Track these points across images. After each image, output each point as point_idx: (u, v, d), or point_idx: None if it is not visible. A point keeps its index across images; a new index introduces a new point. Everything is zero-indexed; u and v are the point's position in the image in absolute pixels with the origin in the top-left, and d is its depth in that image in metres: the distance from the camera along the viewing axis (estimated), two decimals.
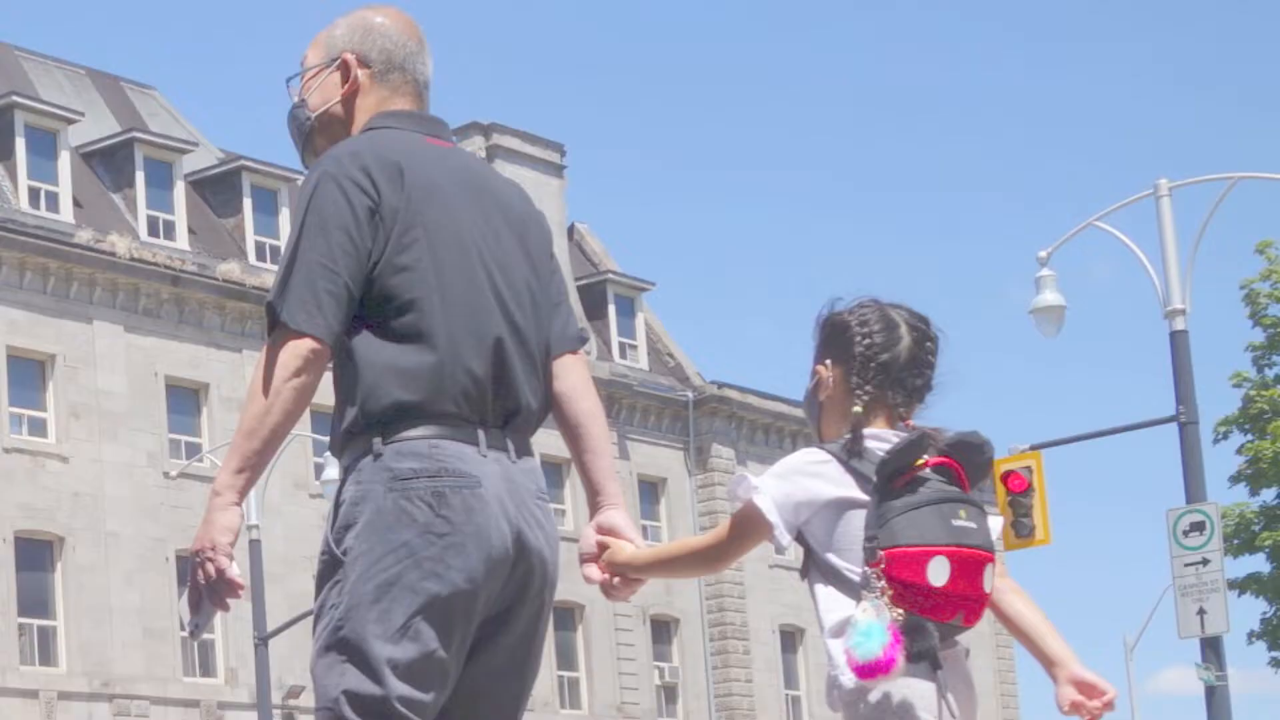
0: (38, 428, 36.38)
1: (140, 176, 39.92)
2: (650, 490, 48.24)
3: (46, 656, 35.58)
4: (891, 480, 3.51)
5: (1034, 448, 23.04)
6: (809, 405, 3.81)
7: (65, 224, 37.25)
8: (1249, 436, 33.15)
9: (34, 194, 37.21)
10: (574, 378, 3.74)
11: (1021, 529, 22.31)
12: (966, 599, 3.49)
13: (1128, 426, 24.93)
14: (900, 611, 3.37)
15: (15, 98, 37.51)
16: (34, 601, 35.24)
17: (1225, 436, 33.34)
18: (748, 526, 3.56)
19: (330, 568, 3.27)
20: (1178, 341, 22.09)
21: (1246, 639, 34.10)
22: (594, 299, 48.42)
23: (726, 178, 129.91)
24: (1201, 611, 21.59)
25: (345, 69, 3.55)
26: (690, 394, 49.62)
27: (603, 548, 3.69)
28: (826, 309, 3.71)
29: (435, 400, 3.34)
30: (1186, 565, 21.71)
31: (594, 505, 3.73)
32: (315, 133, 3.63)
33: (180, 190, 41.30)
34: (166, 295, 38.90)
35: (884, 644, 3.35)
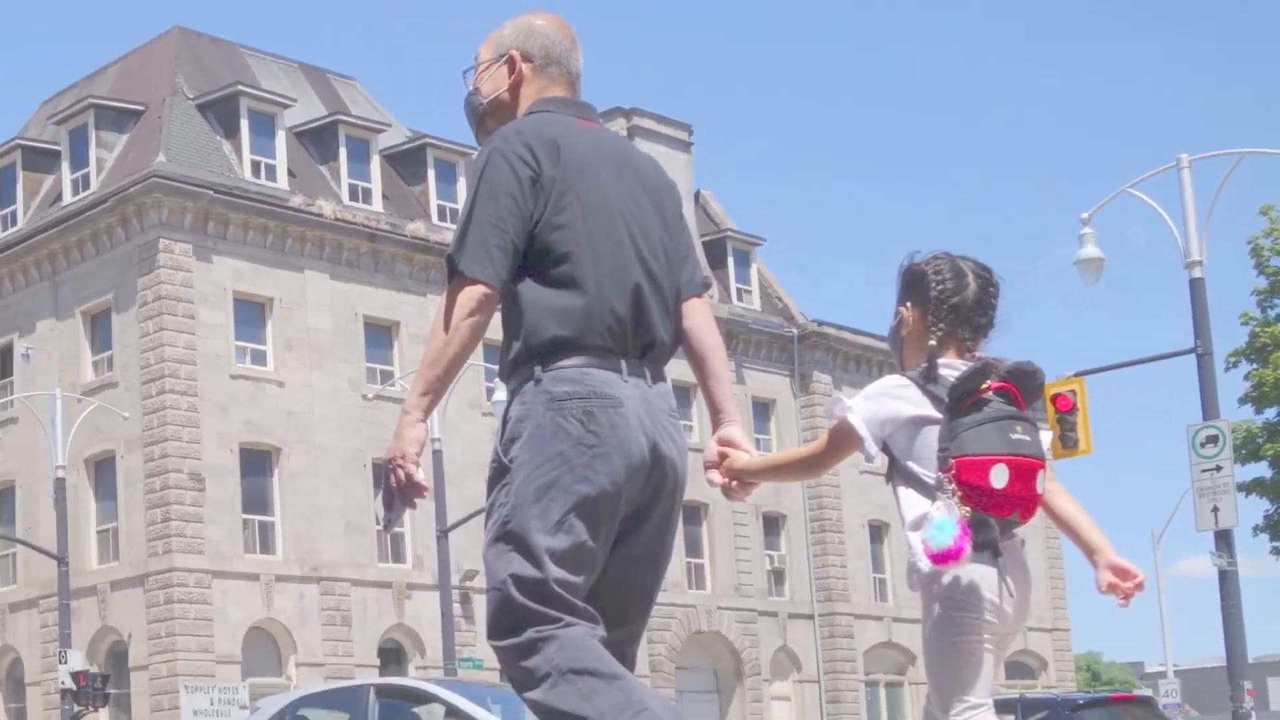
0: (259, 359, 36.95)
1: (343, 152, 40.61)
2: (762, 410, 48.67)
3: (266, 546, 36.59)
4: (960, 401, 3.65)
5: (1078, 374, 23.45)
6: (893, 340, 3.96)
7: (281, 190, 37.81)
8: (1254, 365, 33.71)
9: (255, 166, 37.70)
10: (699, 317, 3.82)
11: (1067, 441, 22.65)
12: (1022, 499, 3.61)
13: (1154, 357, 25.74)
14: (967, 509, 3.49)
15: (240, 87, 38.15)
16: (256, 501, 36.11)
17: (1235, 365, 33.83)
18: (841, 439, 3.72)
19: (499, 474, 3.43)
20: (1195, 288, 22.48)
21: (1252, 532, 34.89)
22: (715, 253, 48.96)
23: (827, 151, 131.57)
24: (1215, 509, 21.81)
25: (511, 63, 3.68)
26: (795, 330, 50.12)
27: (723, 456, 3.82)
28: (907, 260, 3.87)
29: (585, 335, 3.42)
30: (1203, 471, 21.90)
31: (715, 422, 3.86)
32: (487, 116, 3.76)
33: (375, 163, 41.71)
34: (364, 249, 39.25)
35: (954, 536, 3.48)
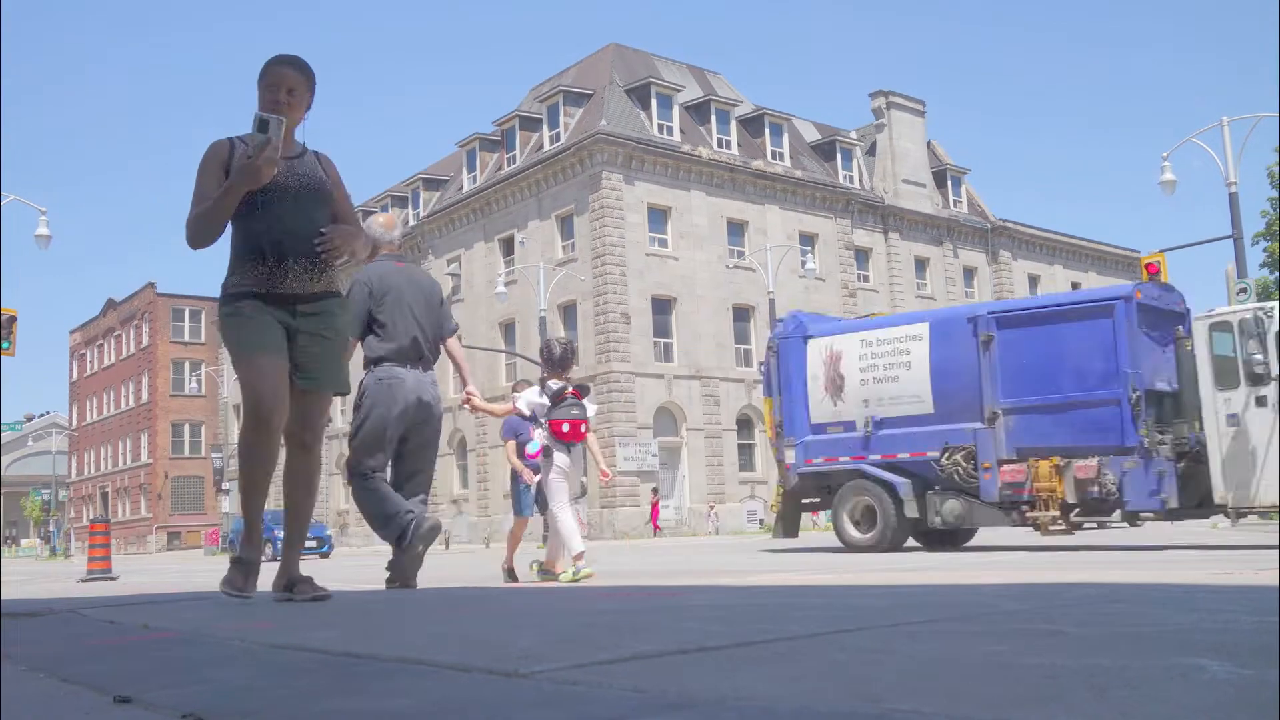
0: (663, 244, 43.10)
1: (713, 118, 46.32)
2: (970, 275, 55.25)
3: (668, 357, 42.26)
4: (556, 398, 7.37)
5: (1160, 250, 25.95)
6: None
7: (675, 142, 43.39)
8: (1268, 242, 39.31)
9: (660, 127, 43.97)
10: (452, 344, 6.62)
11: None
12: (575, 434, 7.45)
13: (1207, 240, 29.38)
14: (547, 436, 7.69)
15: (650, 79, 44.72)
16: (661, 329, 42.47)
17: (1256, 243, 38.95)
18: (515, 411, 8.12)
19: (356, 409, 6.16)
20: (1233, 199, 25.45)
21: None
22: (940, 181, 55.20)
23: (1016, 99, 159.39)
24: None
25: (373, 244, 6.07)
26: (989, 225, 56.99)
27: (469, 397, 6.86)
28: (543, 342, 8.13)
29: (392, 355, 6.18)
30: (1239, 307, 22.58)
31: (464, 382, 6.91)
32: (363, 264, 5.94)
33: (733, 125, 46.35)
34: (726, 177, 43.92)
35: (538, 448, 7.70)
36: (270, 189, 4.60)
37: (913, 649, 2.21)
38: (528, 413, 7.88)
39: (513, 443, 9.64)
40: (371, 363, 6.29)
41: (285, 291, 4.66)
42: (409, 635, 2.88)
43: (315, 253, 4.66)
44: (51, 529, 74.42)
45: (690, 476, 42.32)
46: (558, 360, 7.74)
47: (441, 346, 6.56)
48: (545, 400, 7.56)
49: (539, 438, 7.75)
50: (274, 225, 4.61)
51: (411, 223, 51.92)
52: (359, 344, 6.24)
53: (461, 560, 21.10)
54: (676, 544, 29.13)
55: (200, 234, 4.49)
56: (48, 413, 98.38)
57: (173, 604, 4.74)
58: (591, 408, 7.81)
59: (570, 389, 7.57)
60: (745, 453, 44.83)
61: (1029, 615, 2.91)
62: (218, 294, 4.91)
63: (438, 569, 12.90)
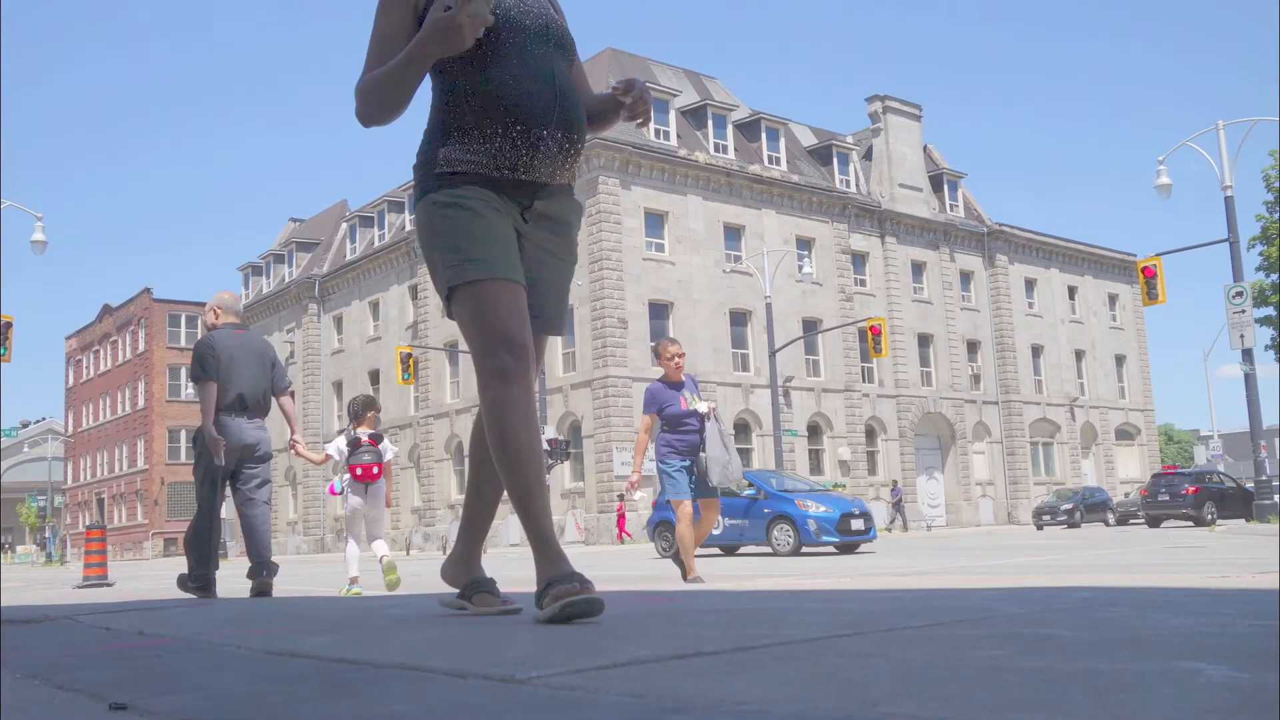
0: (660, 248, 43.73)
1: (710, 123, 46.99)
2: (966, 278, 55.83)
3: None
4: (353, 446, 9.11)
5: (1156, 254, 27.24)
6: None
7: (671, 146, 44.12)
8: (1264, 246, 40.71)
9: (657, 132, 44.42)
10: (283, 399, 7.92)
11: (1152, 294, 26.94)
12: (369, 476, 9.15)
13: (1203, 244, 28.28)
14: (349, 478, 9.21)
15: (647, 84, 46.19)
16: (658, 334, 40.71)
17: (1252, 247, 40.31)
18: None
19: (194, 443, 7.86)
20: (1229, 203, 26.23)
21: (1264, 349, 41.91)
22: (936, 185, 55.54)
23: (1012, 103, 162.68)
24: (1242, 335, 25.02)
25: (214, 313, 7.72)
26: (985, 229, 57.45)
27: (295, 445, 7.98)
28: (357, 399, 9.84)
29: (228, 407, 7.61)
30: (1234, 313, 25.15)
31: (292, 430, 8.16)
32: (208, 327, 7.32)
33: (729, 129, 46.72)
34: (723, 181, 44.28)
35: (338, 487, 9.31)
36: (507, 24, 3.33)
37: (910, 653, 2.22)
38: (337, 458, 9.39)
39: (648, 418, 9.38)
40: (217, 409, 7.72)
41: (530, 178, 3.34)
42: (404, 641, 2.88)
43: (573, 120, 3.38)
44: (47, 535, 74.29)
45: None
46: (354, 415, 9.39)
47: (275, 400, 7.98)
48: (346, 448, 9.15)
49: (340, 481, 9.31)
50: (516, 78, 3.29)
51: (409, 227, 52.58)
52: (210, 387, 7.70)
53: None
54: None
55: (378, 105, 3.25)
56: (44, 419, 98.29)
57: (168, 610, 4.73)
58: (389, 451, 9.46)
59: (366, 438, 9.12)
60: (743, 458, 44.37)
61: (1026, 619, 2.91)
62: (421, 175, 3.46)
63: (431, 575, 12.86)
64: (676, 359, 9.17)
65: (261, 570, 7.80)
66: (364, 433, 9.25)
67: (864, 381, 50.78)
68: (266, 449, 8.04)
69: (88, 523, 46.06)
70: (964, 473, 54.15)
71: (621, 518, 39.37)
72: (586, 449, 41.79)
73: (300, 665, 2.48)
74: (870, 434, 51.17)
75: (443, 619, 3.65)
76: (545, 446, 26.26)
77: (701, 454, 8.84)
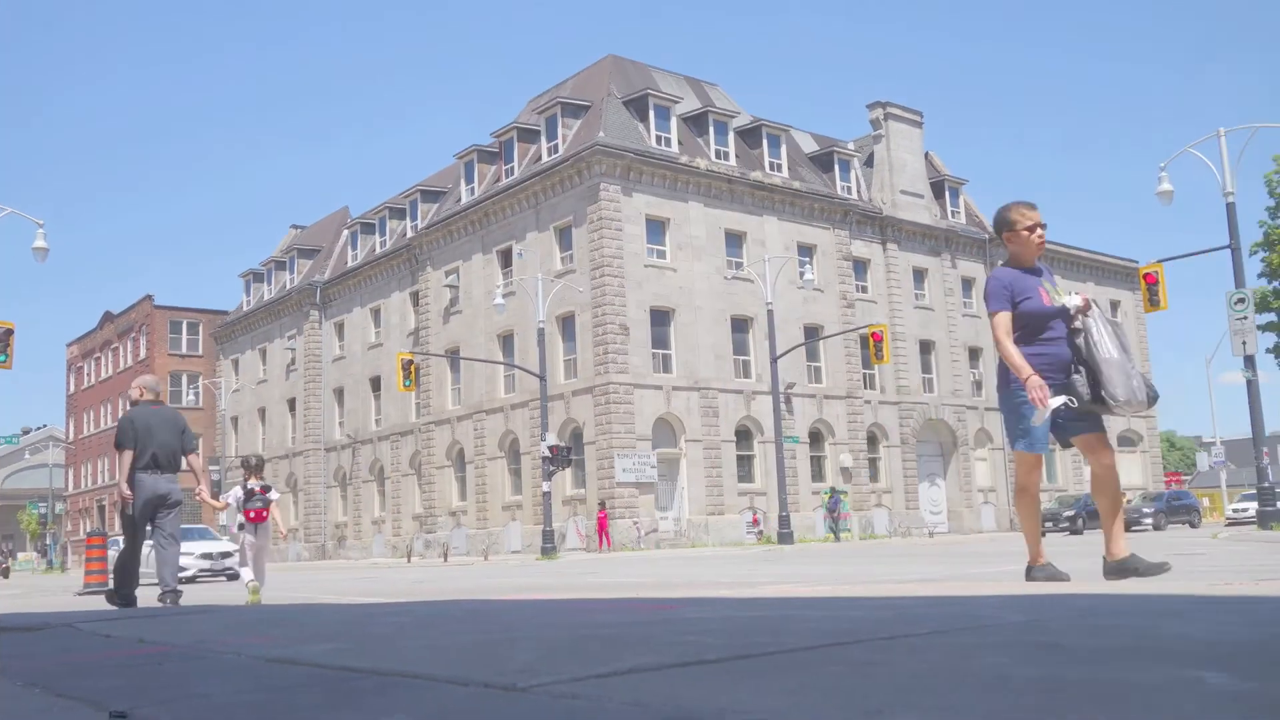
0: (661, 255, 42.51)
1: (711, 129, 45.54)
2: (969, 285, 54.66)
3: (666, 368, 41.65)
4: (248, 497, 11.35)
5: (1158, 261, 27.35)
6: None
7: (673, 153, 42.53)
8: (1265, 252, 40.65)
9: (658, 139, 42.99)
10: (192, 459, 10.20)
11: (1154, 300, 27.15)
12: (260, 518, 11.18)
13: (1205, 250, 28.09)
14: (250, 517, 11.29)
15: (648, 90, 44.23)
16: (659, 340, 41.73)
17: (1254, 253, 40.20)
18: None
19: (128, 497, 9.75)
20: (1230, 209, 25.96)
21: (1265, 355, 41.56)
22: (938, 191, 55.07)
23: (1013, 109, 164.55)
24: (1244, 342, 25.02)
25: (139, 390, 10.12)
26: (987, 235, 55.65)
27: (199, 494, 10.62)
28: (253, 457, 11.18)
29: (145, 466, 9.94)
30: (1236, 319, 25.04)
31: (196, 482, 10.54)
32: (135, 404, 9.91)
33: (730, 136, 45.52)
34: (724, 188, 43.26)
35: (250, 512, 11.20)
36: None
37: (912, 661, 2.21)
38: (234, 504, 11.12)
39: (1004, 316, 6.52)
40: (134, 470, 9.75)
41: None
42: (406, 648, 2.88)
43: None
44: (48, 542, 74.16)
45: (689, 488, 42.06)
46: (251, 468, 11.20)
47: (184, 459, 10.03)
48: (243, 495, 10.97)
49: (238, 521, 11.09)
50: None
51: (410, 235, 52.44)
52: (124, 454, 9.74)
53: (457, 574, 21.11)
54: (677, 555, 29.17)
55: None
56: (45, 426, 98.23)
57: (169, 618, 4.73)
58: (274, 494, 11.26)
59: (258, 488, 10.94)
60: (744, 464, 44.59)
61: (1028, 627, 2.90)
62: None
63: (434, 581, 12.87)
64: (1040, 231, 6.52)
65: (167, 597, 9.65)
66: (255, 484, 11.09)
67: (865, 388, 50.67)
68: (177, 497, 10.05)
69: (89, 529, 45.99)
70: (966, 479, 53.29)
71: (603, 523, 38.90)
72: (588, 455, 41.22)
73: (301, 673, 2.47)
74: (872, 440, 51.13)
75: (448, 627, 3.63)
76: (545, 453, 26.67)
77: (1075, 375, 6.11)
